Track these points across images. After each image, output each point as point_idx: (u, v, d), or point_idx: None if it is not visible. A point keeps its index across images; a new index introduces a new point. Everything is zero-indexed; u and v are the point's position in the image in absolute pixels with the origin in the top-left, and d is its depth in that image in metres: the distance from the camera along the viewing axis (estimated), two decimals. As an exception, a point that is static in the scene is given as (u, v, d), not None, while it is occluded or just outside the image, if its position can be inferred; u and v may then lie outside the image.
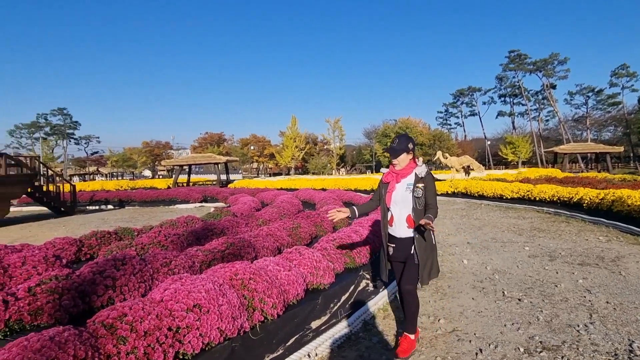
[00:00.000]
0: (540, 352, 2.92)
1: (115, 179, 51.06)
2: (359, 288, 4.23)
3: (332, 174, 47.94)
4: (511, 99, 63.46)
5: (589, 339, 3.12)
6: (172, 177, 29.30)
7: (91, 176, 51.88)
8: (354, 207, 3.18)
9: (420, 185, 2.85)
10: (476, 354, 2.94)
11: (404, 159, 2.91)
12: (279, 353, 2.92)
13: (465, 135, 70.23)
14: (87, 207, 16.74)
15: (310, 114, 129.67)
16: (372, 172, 49.02)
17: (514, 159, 52.72)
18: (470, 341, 3.15)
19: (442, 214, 10.48)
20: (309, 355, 2.91)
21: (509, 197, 12.54)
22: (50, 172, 14.74)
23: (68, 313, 2.89)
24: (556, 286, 4.42)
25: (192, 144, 65.74)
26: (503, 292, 4.28)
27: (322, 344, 3.08)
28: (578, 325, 3.37)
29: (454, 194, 15.07)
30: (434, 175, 3.19)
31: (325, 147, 60.32)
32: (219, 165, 26.69)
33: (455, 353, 2.97)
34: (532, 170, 28.45)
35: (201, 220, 7.32)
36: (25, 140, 64.60)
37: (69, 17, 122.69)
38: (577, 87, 58.65)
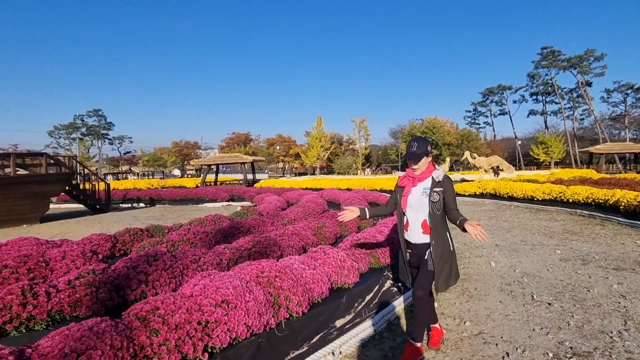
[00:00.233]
0: (570, 357, 2.84)
1: (146, 177, 52.84)
2: (384, 288, 4.23)
3: (357, 174, 47.72)
4: (543, 97, 61.20)
5: (623, 346, 3.01)
6: (200, 176, 29.98)
7: (124, 175, 53.70)
8: (365, 208, 3.21)
9: (438, 189, 2.76)
10: (502, 357, 2.89)
11: (424, 163, 2.83)
12: (303, 350, 2.98)
13: (494, 135, 68.30)
14: (120, 205, 17.41)
15: (336, 114, 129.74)
16: (398, 172, 48.40)
17: (546, 159, 50.96)
18: (496, 344, 3.10)
19: (469, 215, 10.28)
20: (333, 353, 2.95)
21: (540, 199, 12.12)
22: (86, 171, 15.40)
23: (104, 305, 3.05)
24: (589, 291, 4.28)
25: (219, 143, 67.13)
26: (532, 296, 4.17)
27: (346, 343, 3.11)
28: (611, 332, 3.25)
29: (482, 195, 14.74)
30: (451, 177, 3.13)
31: (350, 147, 60.17)
32: (246, 165, 27.13)
33: (481, 356, 2.93)
34: (565, 171, 27.43)
35: (228, 218, 7.49)
36: (64, 141, 67.98)
37: (105, 20, 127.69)
38: (614, 84, 56.05)
